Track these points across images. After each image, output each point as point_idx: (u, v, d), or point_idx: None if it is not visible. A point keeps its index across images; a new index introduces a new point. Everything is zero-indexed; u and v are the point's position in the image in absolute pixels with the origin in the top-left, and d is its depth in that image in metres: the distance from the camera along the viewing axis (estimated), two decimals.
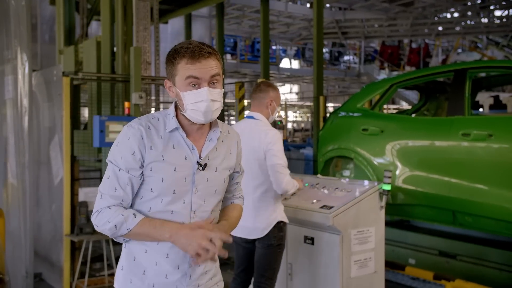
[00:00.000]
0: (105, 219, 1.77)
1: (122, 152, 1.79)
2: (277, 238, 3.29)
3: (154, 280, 1.81)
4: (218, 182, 1.89)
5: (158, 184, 1.78)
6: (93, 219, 1.80)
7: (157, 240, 1.78)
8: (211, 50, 1.79)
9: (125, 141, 1.79)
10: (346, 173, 5.28)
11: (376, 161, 4.84)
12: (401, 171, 4.65)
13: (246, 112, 3.57)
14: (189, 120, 1.83)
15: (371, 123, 4.99)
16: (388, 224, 5.40)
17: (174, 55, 1.79)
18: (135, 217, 1.77)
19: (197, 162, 1.83)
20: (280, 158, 3.26)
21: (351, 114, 5.34)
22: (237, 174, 2.04)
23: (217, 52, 1.82)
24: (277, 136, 3.29)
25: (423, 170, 4.51)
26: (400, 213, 4.92)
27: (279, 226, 3.31)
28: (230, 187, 2.03)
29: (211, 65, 1.77)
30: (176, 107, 1.86)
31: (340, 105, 5.73)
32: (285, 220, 3.37)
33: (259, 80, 5.82)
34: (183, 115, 1.83)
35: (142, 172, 1.79)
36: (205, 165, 1.84)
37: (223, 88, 1.86)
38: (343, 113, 5.43)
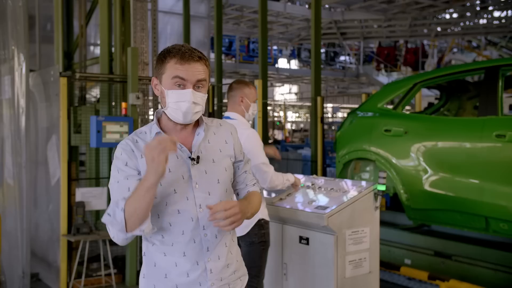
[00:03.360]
0: (109, 225, 1.78)
1: (117, 166, 1.83)
2: (258, 235, 3.32)
3: (177, 281, 1.83)
4: (218, 172, 1.90)
5: (158, 188, 1.78)
6: (111, 236, 1.81)
7: (143, 196, 1.69)
8: (201, 55, 1.85)
9: (118, 158, 1.84)
10: (365, 175, 5.09)
11: (400, 163, 4.63)
12: (427, 174, 4.44)
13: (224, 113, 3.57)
14: (171, 120, 1.88)
15: (394, 123, 4.76)
16: (407, 229, 5.26)
17: (165, 54, 1.84)
18: (124, 199, 1.75)
19: (189, 157, 1.85)
20: (259, 156, 3.29)
21: (371, 114, 5.09)
22: (241, 163, 2.03)
23: (207, 58, 1.88)
24: (253, 136, 3.31)
25: (453, 173, 4.28)
26: (426, 218, 4.69)
27: (260, 224, 3.33)
28: (238, 177, 2.03)
29: (199, 70, 1.83)
30: (159, 115, 1.92)
31: (358, 106, 5.47)
32: (266, 218, 3.40)
33: (256, 81, 5.82)
34: (165, 115, 1.88)
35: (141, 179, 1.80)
36: (198, 157, 1.86)
37: (207, 93, 1.91)
38: (362, 113, 5.18)
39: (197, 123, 1.94)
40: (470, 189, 4.17)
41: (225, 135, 1.99)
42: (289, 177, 3.55)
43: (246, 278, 2.02)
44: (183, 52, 1.81)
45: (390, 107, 5.39)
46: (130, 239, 1.79)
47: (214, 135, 1.95)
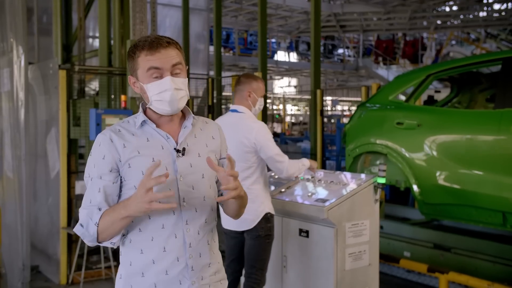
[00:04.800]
0: (80, 230, 1.74)
1: (94, 160, 1.78)
2: (265, 229, 3.34)
3: (155, 279, 1.76)
4: (203, 167, 1.83)
5: (139, 178, 1.70)
6: (77, 232, 1.77)
7: (119, 221, 1.69)
8: (170, 40, 1.78)
9: (96, 148, 1.79)
10: (376, 169, 4.96)
11: (414, 157, 4.52)
12: (442, 168, 4.33)
13: (231, 106, 3.58)
14: (158, 113, 1.82)
15: (407, 116, 4.63)
16: (417, 224, 5.20)
17: (133, 50, 1.78)
18: (100, 210, 1.72)
19: (175, 148, 1.80)
20: (272, 148, 3.33)
21: (382, 106, 4.96)
22: (225, 160, 1.95)
23: (177, 42, 1.81)
24: (263, 128, 3.35)
25: (469, 167, 4.17)
26: (439, 213, 4.57)
27: (267, 217, 3.35)
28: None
29: (171, 55, 1.76)
30: (145, 106, 1.86)
31: (368, 98, 5.31)
32: (272, 211, 3.43)
33: (256, 74, 5.82)
34: (150, 109, 1.82)
35: (118, 175, 1.77)
36: (184, 149, 1.80)
37: (187, 77, 1.84)
38: (373, 106, 5.06)
39: (184, 117, 1.89)
40: (487, 184, 4.04)
41: (212, 131, 1.93)
42: (304, 162, 3.58)
43: (226, 283, 1.92)
44: (150, 42, 1.75)
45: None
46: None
47: (200, 131, 1.90)
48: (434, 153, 4.41)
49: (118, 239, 1.77)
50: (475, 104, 5.38)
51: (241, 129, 3.33)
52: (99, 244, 1.75)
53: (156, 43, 1.74)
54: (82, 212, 1.75)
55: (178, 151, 1.80)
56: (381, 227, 5.18)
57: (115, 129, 1.80)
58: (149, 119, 1.83)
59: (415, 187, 4.54)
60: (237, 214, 1.99)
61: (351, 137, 5.13)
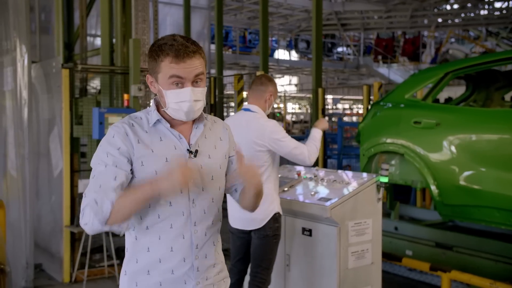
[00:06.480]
0: (89, 210, 1.67)
1: (107, 150, 1.74)
2: (273, 229, 3.35)
3: (160, 278, 1.77)
4: (213, 168, 1.86)
5: (152, 177, 1.73)
6: (80, 221, 1.71)
7: (141, 200, 1.68)
8: (196, 49, 1.76)
9: (109, 140, 1.75)
10: (390, 169, 4.84)
11: (432, 157, 4.41)
12: (462, 168, 4.22)
13: (244, 104, 3.60)
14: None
15: (425, 115, 4.50)
16: (431, 225, 5.11)
17: (157, 52, 1.75)
18: (114, 190, 1.68)
19: (188, 150, 1.80)
20: (289, 143, 3.35)
21: (398, 105, 4.82)
22: (233, 157, 1.98)
23: (201, 49, 1.79)
24: (276, 126, 3.38)
25: (491, 168, 4.07)
26: (458, 215, 4.46)
27: (275, 217, 3.36)
28: (234, 172, 1.96)
29: (196, 64, 1.75)
30: (157, 103, 1.84)
31: (382, 97, 5.23)
32: (281, 211, 3.44)
33: (258, 73, 5.83)
34: (164, 111, 1.82)
35: (131, 168, 1.75)
36: (196, 151, 1.81)
37: (206, 86, 1.84)
38: (388, 104, 4.93)
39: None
40: (511, 185, 3.96)
41: (219, 131, 1.94)
42: (316, 135, 3.56)
43: (228, 281, 1.95)
44: (177, 49, 1.71)
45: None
46: (100, 231, 1.72)
47: (210, 131, 1.90)
48: (454, 153, 4.29)
49: (126, 225, 1.76)
50: (491, 102, 5.28)
51: (254, 129, 3.34)
52: (105, 228, 1.69)
53: (183, 51, 1.72)
54: (90, 195, 1.69)
55: (190, 152, 1.81)
56: (396, 228, 5.16)
57: (128, 123, 1.78)
58: (163, 115, 1.82)
59: (433, 188, 4.45)
60: (254, 205, 1.98)
61: (365, 136, 5.04)
